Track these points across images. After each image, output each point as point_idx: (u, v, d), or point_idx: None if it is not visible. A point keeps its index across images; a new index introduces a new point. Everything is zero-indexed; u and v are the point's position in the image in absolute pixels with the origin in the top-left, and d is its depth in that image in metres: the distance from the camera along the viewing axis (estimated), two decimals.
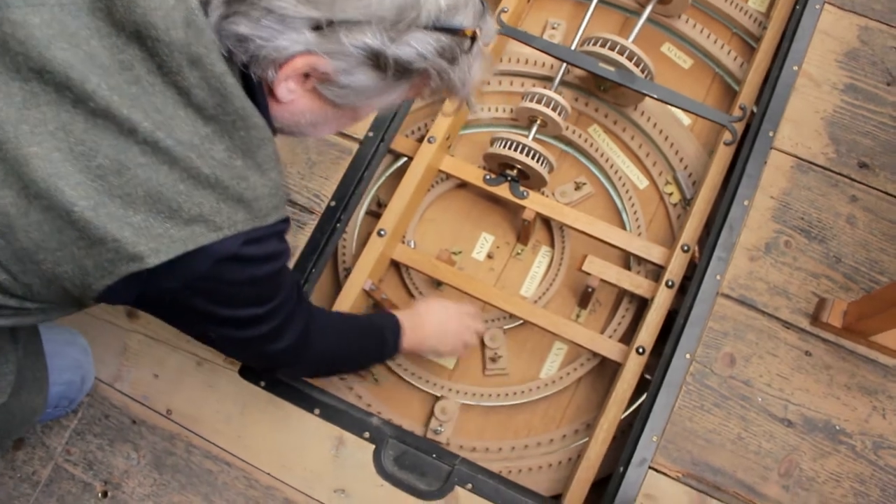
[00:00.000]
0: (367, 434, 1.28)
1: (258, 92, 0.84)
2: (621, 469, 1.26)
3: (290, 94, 0.85)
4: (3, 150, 0.75)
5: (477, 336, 1.45)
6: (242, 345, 1.00)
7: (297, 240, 1.39)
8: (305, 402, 1.30)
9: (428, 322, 1.35)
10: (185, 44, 0.76)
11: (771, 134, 1.41)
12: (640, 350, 1.36)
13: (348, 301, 1.41)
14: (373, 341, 1.26)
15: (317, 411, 1.29)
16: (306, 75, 0.84)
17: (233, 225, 0.81)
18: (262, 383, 1.31)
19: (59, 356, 1.22)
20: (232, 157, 0.81)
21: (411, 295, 1.56)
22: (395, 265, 1.57)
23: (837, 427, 1.27)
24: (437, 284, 1.57)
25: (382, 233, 1.46)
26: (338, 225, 1.41)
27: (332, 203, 1.41)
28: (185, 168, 0.78)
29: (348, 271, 1.54)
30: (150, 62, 0.76)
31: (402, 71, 0.84)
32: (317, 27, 0.79)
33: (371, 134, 1.46)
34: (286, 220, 0.89)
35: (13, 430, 1.12)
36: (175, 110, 0.78)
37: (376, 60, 0.82)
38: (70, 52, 0.75)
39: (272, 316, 0.96)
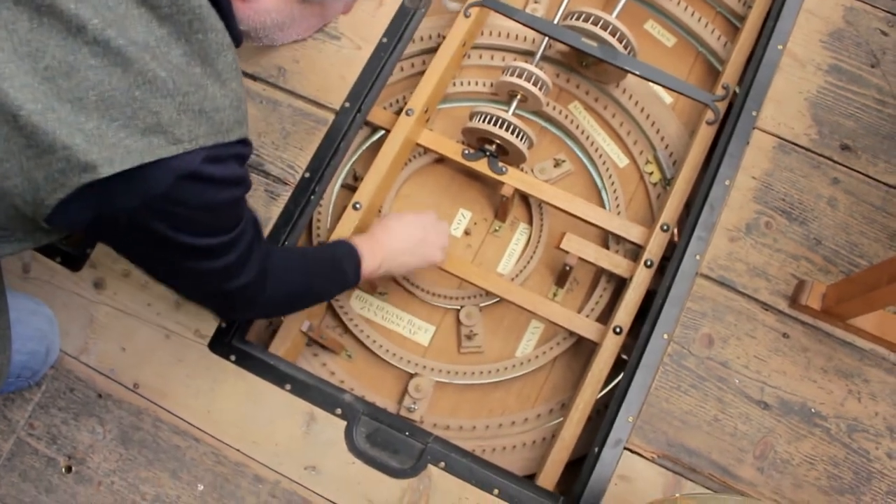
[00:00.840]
0: (338, 410, 1.26)
1: None
2: (596, 450, 1.24)
3: None
4: None
5: (444, 251, 1.38)
6: (198, 279, 0.94)
7: (271, 211, 1.35)
8: (276, 377, 1.27)
9: (388, 243, 1.29)
10: None
11: (754, 113, 1.40)
12: (618, 330, 1.34)
13: None
14: (332, 275, 1.21)
15: (288, 387, 1.26)
16: None
17: (194, 139, 0.76)
18: (233, 357, 1.28)
19: (22, 325, 1.18)
20: (190, 64, 0.76)
21: None
22: None
23: (813, 410, 1.26)
24: None
25: (358, 206, 1.42)
26: (312, 197, 1.37)
27: (307, 174, 1.38)
28: (140, 71, 0.73)
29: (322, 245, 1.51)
30: None
31: None
32: None
33: (347, 104, 1.42)
34: (248, 143, 0.84)
35: None
36: (128, 8, 0.73)
37: None
38: None
39: (230, 248, 0.91)
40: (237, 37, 0.85)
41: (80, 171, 0.73)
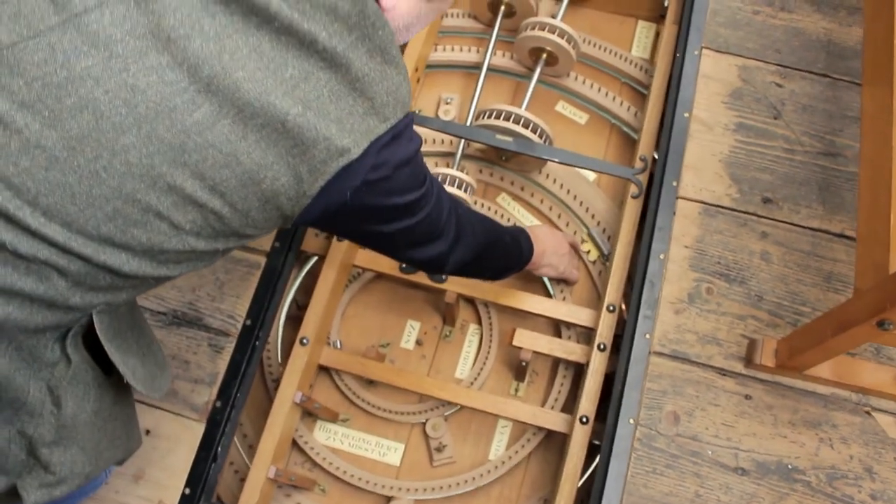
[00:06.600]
0: None
1: None
2: None
3: (391, 0, 0.91)
4: (216, 84, 0.78)
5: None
6: (409, 234, 1.03)
7: (217, 365, 1.33)
8: None
9: (544, 239, 1.42)
10: None
11: (674, 184, 1.43)
12: (584, 420, 1.34)
13: (280, 419, 1.36)
14: (512, 243, 1.32)
15: None
16: None
17: (394, 115, 0.87)
18: None
19: None
20: (372, 57, 0.86)
21: (347, 398, 1.51)
22: (325, 368, 1.52)
23: (790, 466, 1.26)
24: (369, 382, 1.53)
25: (305, 341, 1.41)
26: (257, 343, 1.36)
27: (248, 322, 1.36)
28: (349, 68, 0.84)
29: (276, 382, 1.48)
30: None
31: None
32: None
33: (277, 244, 1.42)
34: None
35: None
36: (331, 21, 0.83)
37: None
38: None
39: (428, 197, 1.00)
40: None
41: (338, 155, 0.83)
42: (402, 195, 0.95)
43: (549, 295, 1.55)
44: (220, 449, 1.30)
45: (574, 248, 1.54)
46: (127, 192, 0.79)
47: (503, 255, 1.31)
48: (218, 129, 0.79)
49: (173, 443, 1.29)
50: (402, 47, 1.69)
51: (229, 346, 1.34)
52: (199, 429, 1.30)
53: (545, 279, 1.55)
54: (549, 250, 1.43)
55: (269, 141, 0.81)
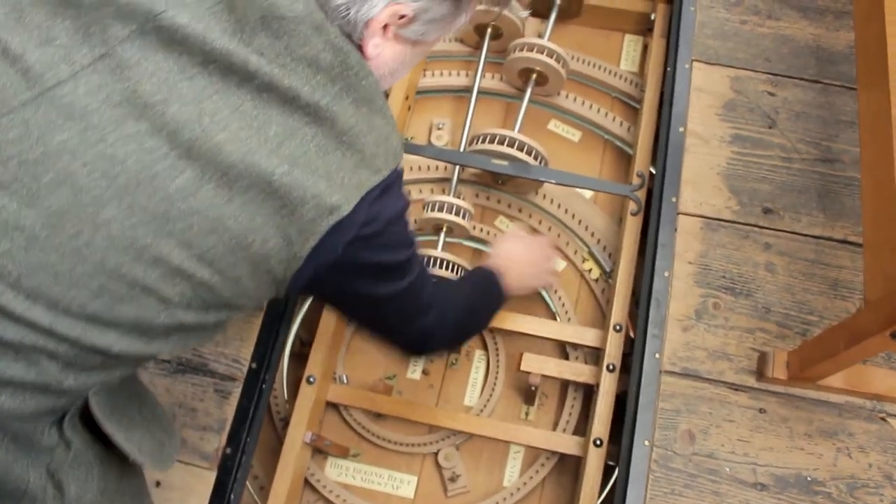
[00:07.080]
0: None
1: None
2: None
3: (376, 48, 0.88)
4: (197, 148, 0.76)
5: (554, 275, 1.52)
6: (396, 305, 1.01)
7: (224, 411, 1.31)
8: None
9: (513, 261, 1.38)
10: (308, 13, 0.81)
11: (674, 200, 1.42)
12: (598, 442, 1.32)
13: (291, 460, 1.34)
14: (487, 293, 1.32)
15: None
16: (385, 26, 0.87)
17: (385, 166, 0.86)
18: None
19: None
20: (359, 108, 0.84)
21: (356, 432, 1.50)
22: (333, 404, 1.50)
23: (809, 478, 1.25)
24: (377, 415, 1.51)
25: (312, 380, 1.39)
26: (263, 386, 1.34)
27: (254, 365, 1.35)
28: (335, 121, 0.82)
29: (284, 421, 1.47)
30: (278, 44, 0.80)
31: None
32: None
33: None
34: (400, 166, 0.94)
35: None
36: (314, 74, 0.82)
37: None
38: (225, 40, 0.79)
39: (414, 261, 0.99)
40: None
41: (328, 213, 0.80)
42: (393, 252, 0.93)
43: (549, 308, 1.54)
44: (232, 496, 1.28)
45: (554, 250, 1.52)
46: (111, 268, 0.76)
47: (483, 307, 1.33)
48: (202, 194, 0.76)
49: (185, 493, 1.27)
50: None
51: (236, 391, 1.33)
52: (210, 477, 1.28)
53: (542, 293, 1.54)
54: (514, 274, 1.37)
55: (256, 203, 0.78)
